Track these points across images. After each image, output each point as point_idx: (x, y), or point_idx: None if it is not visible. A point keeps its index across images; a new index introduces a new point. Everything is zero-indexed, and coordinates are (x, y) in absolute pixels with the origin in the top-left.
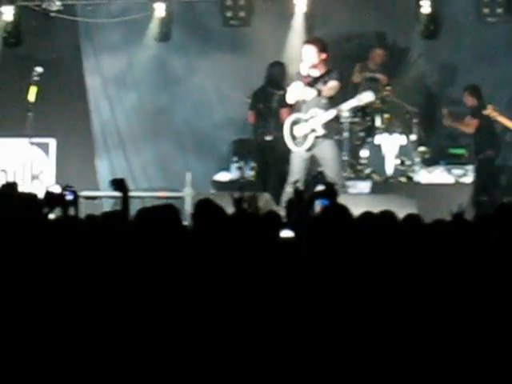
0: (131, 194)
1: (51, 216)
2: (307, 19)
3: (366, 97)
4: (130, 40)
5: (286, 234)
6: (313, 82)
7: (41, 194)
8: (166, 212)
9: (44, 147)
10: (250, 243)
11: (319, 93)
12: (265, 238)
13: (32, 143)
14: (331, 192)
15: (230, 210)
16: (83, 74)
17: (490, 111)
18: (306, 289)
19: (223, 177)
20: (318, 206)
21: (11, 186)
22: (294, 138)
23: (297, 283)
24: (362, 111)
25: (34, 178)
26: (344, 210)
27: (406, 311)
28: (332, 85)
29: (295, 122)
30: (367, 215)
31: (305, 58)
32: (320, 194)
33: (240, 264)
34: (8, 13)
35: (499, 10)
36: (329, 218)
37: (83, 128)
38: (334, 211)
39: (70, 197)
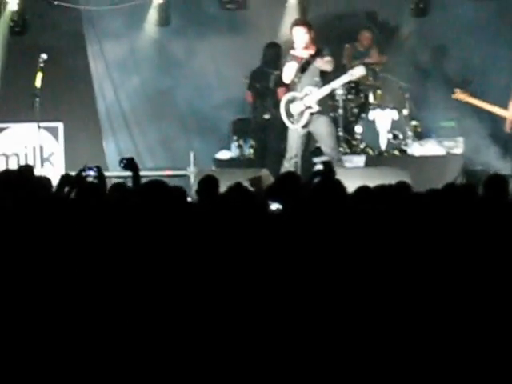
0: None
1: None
2: (301, 1)
3: (357, 71)
4: (131, 26)
5: (275, 206)
6: (307, 61)
7: (54, 177)
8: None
9: (53, 131)
10: (245, 217)
11: (314, 59)
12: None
13: (41, 127)
14: (329, 170)
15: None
16: (87, 60)
17: (457, 95)
18: (296, 261)
19: (224, 155)
20: None
21: (27, 169)
22: (290, 115)
23: (288, 256)
24: (355, 88)
25: (44, 161)
26: (337, 184)
27: (398, 280)
28: (328, 59)
29: (291, 100)
30: (363, 189)
31: (296, 39)
32: (319, 173)
33: (236, 237)
34: (13, 2)
35: None
36: (323, 193)
37: (89, 112)
38: (328, 186)
39: (91, 173)
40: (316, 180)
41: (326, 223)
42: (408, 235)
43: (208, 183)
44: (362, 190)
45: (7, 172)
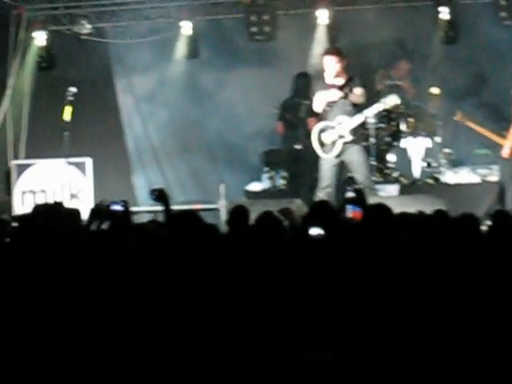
0: None
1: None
2: (329, 30)
3: (390, 100)
4: (159, 59)
5: (316, 231)
6: (339, 91)
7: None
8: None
9: (81, 166)
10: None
11: (346, 96)
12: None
13: (69, 163)
14: (361, 198)
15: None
16: (115, 94)
17: (459, 117)
18: (338, 285)
19: (255, 187)
20: (350, 211)
21: (58, 205)
22: (322, 145)
23: (330, 280)
24: (387, 116)
25: (72, 197)
26: (386, 209)
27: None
28: (359, 92)
29: (323, 130)
30: (404, 216)
31: (327, 68)
32: (351, 201)
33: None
34: (40, 38)
35: None
36: (372, 218)
37: (118, 146)
38: (377, 211)
39: (118, 208)
40: (348, 207)
41: (375, 248)
42: (449, 263)
43: (238, 213)
44: (402, 217)
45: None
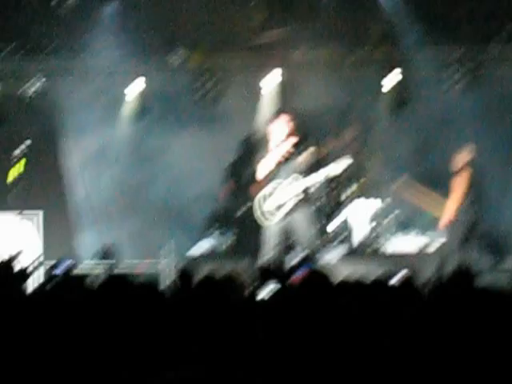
0: None
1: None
2: (274, 97)
3: (337, 165)
4: (105, 120)
5: (270, 287)
6: (287, 153)
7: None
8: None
9: (31, 220)
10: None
11: (294, 158)
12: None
13: (20, 217)
14: (310, 261)
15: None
16: (61, 155)
17: (397, 188)
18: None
19: (199, 248)
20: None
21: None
22: (267, 209)
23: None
24: (332, 181)
25: (20, 251)
26: (324, 276)
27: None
28: (307, 155)
29: (268, 194)
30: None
31: (277, 132)
32: (299, 266)
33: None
34: None
35: (462, 82)
36: (312, 284)
37: (62, 206)
38: (315, 278)
39: (59, 272)
40: (296, 272)
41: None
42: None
43: (183, 276)
44: (341, 285)
45: None
